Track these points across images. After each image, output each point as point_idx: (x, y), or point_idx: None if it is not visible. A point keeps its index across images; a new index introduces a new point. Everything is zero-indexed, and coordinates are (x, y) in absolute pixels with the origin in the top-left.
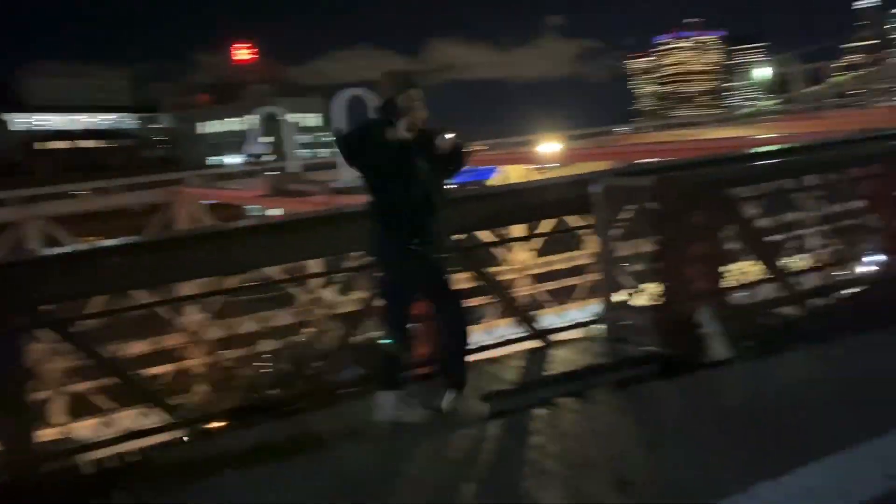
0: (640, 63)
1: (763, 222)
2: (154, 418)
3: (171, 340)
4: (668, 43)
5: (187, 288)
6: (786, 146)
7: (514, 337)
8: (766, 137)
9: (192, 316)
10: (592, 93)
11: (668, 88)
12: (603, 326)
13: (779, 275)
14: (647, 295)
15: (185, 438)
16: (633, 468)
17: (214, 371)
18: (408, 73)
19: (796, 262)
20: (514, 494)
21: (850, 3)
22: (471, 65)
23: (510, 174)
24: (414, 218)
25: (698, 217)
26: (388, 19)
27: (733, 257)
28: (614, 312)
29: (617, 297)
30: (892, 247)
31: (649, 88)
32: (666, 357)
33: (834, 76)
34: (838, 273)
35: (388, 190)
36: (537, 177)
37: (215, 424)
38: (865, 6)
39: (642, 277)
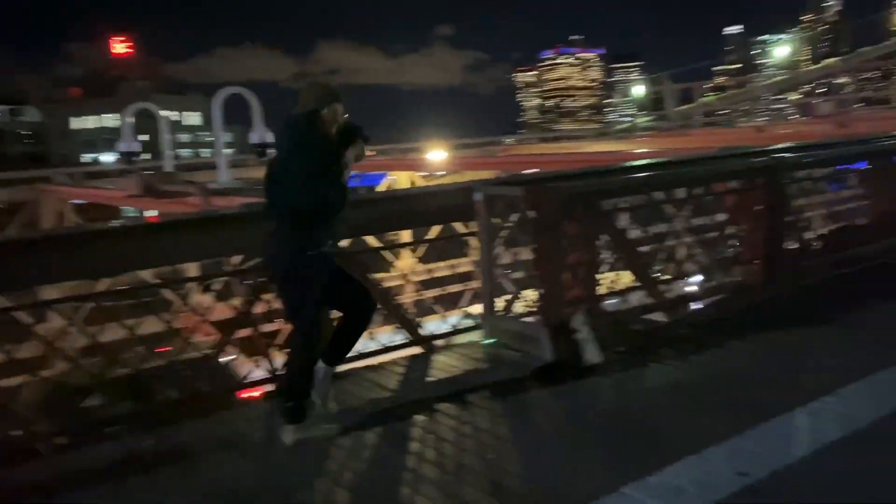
0: (526, 77)
1: (635, 233)
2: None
3: (28, 349)
4: (552, 58)
5: (50, 292)
6: (656, 161)
7: (396, 344)
8: (640, 152)
9: (54, 322)
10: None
11: (552, 102)
12: (483, 332)
13: (648, 282)
14: (526, 301)
15: (45, 453)
16: (507, 473)
17: (75, 379)
18: (331, 86)
19: (665, 270)
20: (390, 501)
21: (721, 28)
22: (360, 69)
23: (399, 180)
24: (332, 220)
25: (573, 226)
26: (275, 19)
27: (607, 265)
28: (495, 318)
29: (498, 304)
30: (751, 257)
31: (535, 101)
32: (543, 362)
33: (705, 96)
34: (703, 281)
35: (315, 191)
36: (423, 183)
37: (75, 437)
38: (733, 32)
39: (521, 284)
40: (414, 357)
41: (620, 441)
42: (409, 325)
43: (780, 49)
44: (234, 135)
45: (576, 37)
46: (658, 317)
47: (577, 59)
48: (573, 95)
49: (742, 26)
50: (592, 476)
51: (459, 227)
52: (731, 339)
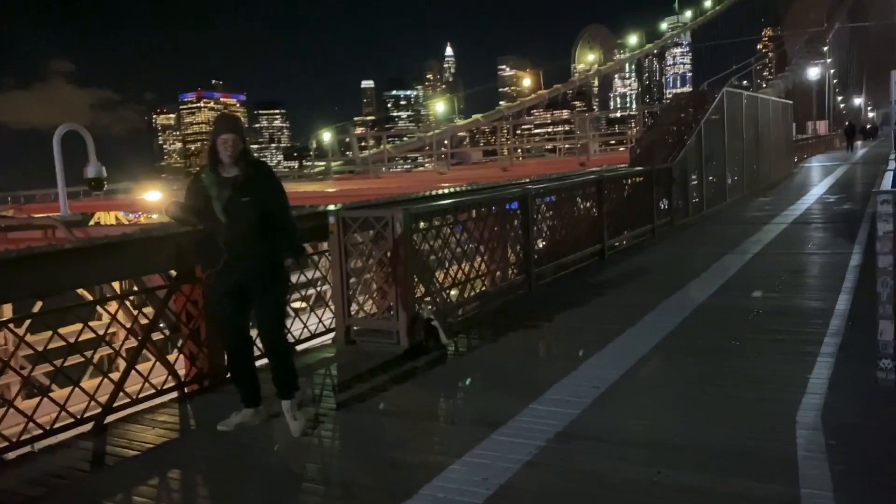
0: (166, 119)
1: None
2: None
3: None
4: (193, 101)
5: None
6: (453, 190)
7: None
8: (338, 191)
9: None
10: (114, 145)
11: (195, 146)
12: (337, 334)
13: (464, 284)
14: (378, 302)
15: None
16: (456, 409)
17: None
18: (228, 119)
19: (472, 273)
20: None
21: (359, 81)
22: None
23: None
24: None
25: (415, 240)
26: None
27: (439, 269)
28: (351, 320)
29: (354, 307)
30: (516, 263)
31: (177, 145)
32: (403, 349)
33: (386, 144)
34: (492, 285)
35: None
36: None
37: None
38: (368, 87)
39: (371, 289)
40: None
41: (503, 386)
42: None
43: (438, 104)
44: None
45: (216, 81)
46: (471, 309)
47: (218, 103)
48: None
49: (372, 81)
50: (502, 403)
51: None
52: (518, 320)
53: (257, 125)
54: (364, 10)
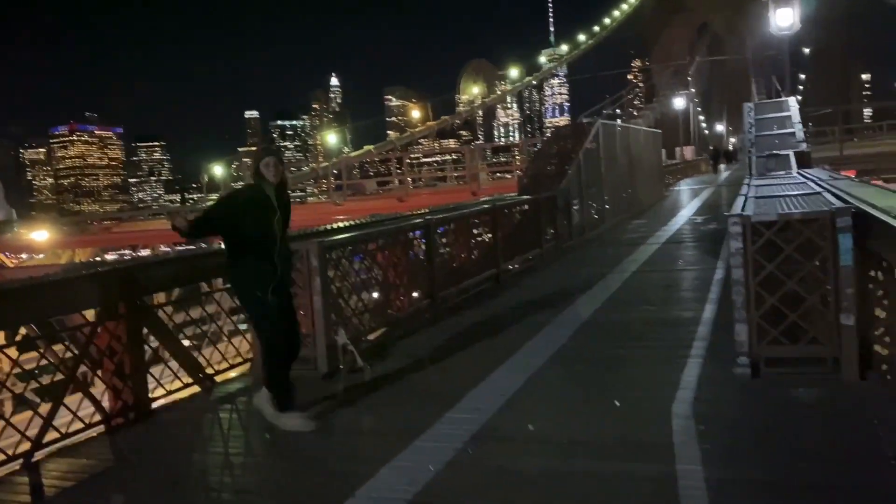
0: (36, 154)
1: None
2: None
3: None
4: (66, 135)
5: None
6: (359, 222)
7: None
8: None
9: None
10: None
11: (69, 181)
12: (257, 360)
13: (374, 309)
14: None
15: None
16: (400, 419)
17: None
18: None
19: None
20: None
21: (242, 112)
22: None
23: None
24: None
25: (329, 270)
26: None
27: (352, 295)
28: None
29: None
30: (424, 288)
31: (49, 181)
32: (322, 373)
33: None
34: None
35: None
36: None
37: None
38: (252, 117)
39: None
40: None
41: (419, 399)
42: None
43: (329, 136)
44: None
45: (91, 114)
46: (379, 333)
47: (93, 136)
48: (94, 174)
49: (257, 112)
50: (421, 413)
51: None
52: (427, 340)
53: (135, 158)
54: (244, 41)
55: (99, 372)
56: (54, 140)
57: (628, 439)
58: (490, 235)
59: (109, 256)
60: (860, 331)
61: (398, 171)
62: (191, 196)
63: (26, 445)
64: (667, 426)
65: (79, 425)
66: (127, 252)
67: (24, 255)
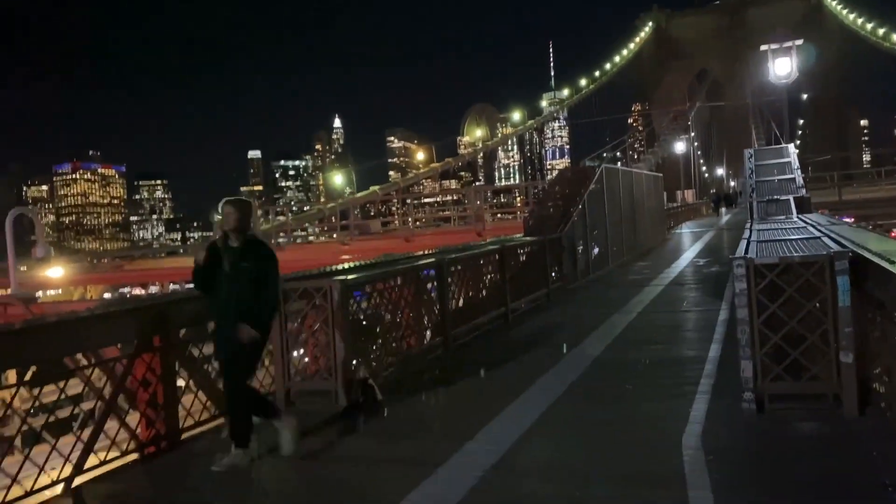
0: (38, 192)
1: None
2: None
3: None
4: (68, 173)
5: None
6: (372, 262)
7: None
8: None
9: None
10: None
11: (70, 219)
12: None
13: (390, 345)
14: (316, 365)
15: None
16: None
17: None
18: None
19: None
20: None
21: (246, 153)
22: None
23: None
24: None
25: (349, 310)
26: None
27: (371, 332)
28: (290, 383)
29: (293, 370)
30: (433, 326)
31: (50, 218)
32: (342, 407)
33: (280, 216)
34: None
35: None
36: None
37: None
38: (254, 157)
39: (314, 355)
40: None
41: (439, 431)
42: None
43: (334, 177)
44: None
45: (94, 152)
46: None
47: (96, 174)
48: (95, 212)
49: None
50: (441, 445)
51: None
52: (441, 377)
53: (137, 196)
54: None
55: (133, 402)
56: (57, 178)
57: (641, 470)
58: (498, 275)
59: (136, 291)
60: (859, 369)
61: (401, 211)
62: (191, 235)
63: (68, 470)
64: (677, 458)
65: (115, 452)
66: (136, 289)
67: (38, 293)
